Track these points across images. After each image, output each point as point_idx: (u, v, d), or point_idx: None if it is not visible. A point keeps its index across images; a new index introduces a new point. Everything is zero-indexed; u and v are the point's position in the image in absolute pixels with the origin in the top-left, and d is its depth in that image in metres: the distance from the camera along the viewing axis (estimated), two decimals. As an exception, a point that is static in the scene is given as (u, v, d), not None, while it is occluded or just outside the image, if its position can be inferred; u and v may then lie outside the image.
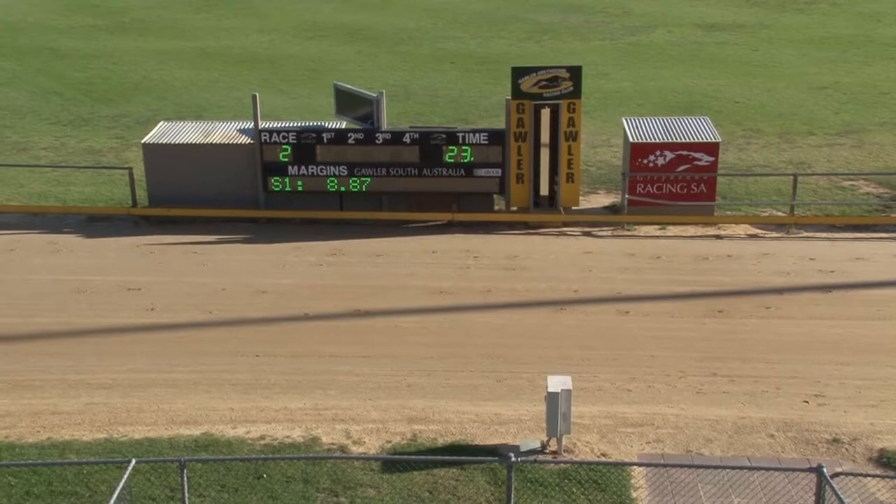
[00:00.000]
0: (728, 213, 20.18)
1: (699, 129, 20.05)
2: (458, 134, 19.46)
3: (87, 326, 15.65)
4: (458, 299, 16.52)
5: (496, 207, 20.16)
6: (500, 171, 19.49)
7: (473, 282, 17.16)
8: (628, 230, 19.47)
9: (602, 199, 21.14)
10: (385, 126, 19.62)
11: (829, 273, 17.25)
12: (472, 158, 19.40)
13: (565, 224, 19.69)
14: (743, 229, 19.39)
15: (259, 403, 13.32)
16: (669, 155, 19.41)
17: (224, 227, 19.62)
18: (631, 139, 19.59)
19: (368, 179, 19.59)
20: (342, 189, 19.73)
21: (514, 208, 19.90)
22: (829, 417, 12.72)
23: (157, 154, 19.95)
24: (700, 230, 19.37)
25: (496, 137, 19.40)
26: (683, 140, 19.49)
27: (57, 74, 32.74)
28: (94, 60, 34.78)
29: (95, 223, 20.22)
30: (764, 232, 19.27)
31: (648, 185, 19.55)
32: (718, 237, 19.13)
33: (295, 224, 19.90)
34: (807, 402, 13.17)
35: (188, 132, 20.47)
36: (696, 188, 19.52)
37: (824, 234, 19.06)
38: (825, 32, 37.61)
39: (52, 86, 31.26)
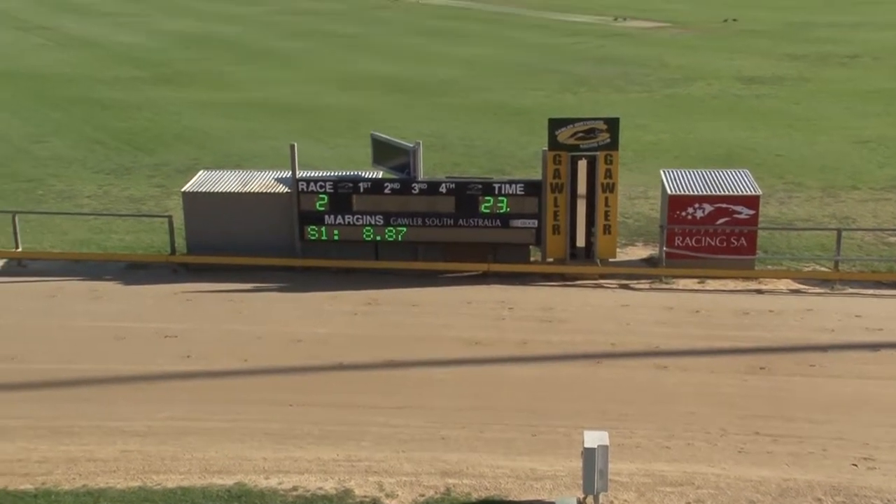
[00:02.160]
0: (769, 267, 19.93)
1: (739, 181, 19.91)
2: (494, 184, 19.46)
3: (124, 373, 15.72)
4: (493, 351, 16.39)
5: (532, 259, 20.07)
6: (536, 222, 19.44)
7: (509, 333, 17.04)
8: (666, 283, 19.29)
9: (639, 252, 20.98)
10: (421, 176, 19.68)
11: (876, 331, 16.90)
12: (508, 209, 19.38)
13: (602, 276, 19.55)
14: (785, 284, 19.12)
15: (292, 453, 13.24)
16: (708, 207, 19.26)
17: (260, 275, 19.70)
18: (669, 191, 19.48)
19: (404, 229, 19.62)
20: (378, 238, 19.77)
21: (551, 260, 19.80)
22: (880, 482, 12.34)
23: (197, 202, 20.15)
24: (740, 284, 19.14)
25: (532, 188, 19.38)
26: (723, 193, 19.34)
27: (101, 124, 33.36)
28: (136, 111, 35.43)
29: (135, 270, 20.40)
30: (807, 287, 18.98)
31: (687, 238, 19.39)
32: (759, 292, 18.87)
33: (331, 273, 19.94)
34: (855, 465, 12.80)
35: (227, 181, 20.68)
36: (735, 241, 19.33)
37: (870, 291, 18.73)
38: (868, 86, 37.40)
39: (96, 135, 31.85)
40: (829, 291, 18.80)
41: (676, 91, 37.38)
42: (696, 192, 19.39)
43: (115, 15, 63.73)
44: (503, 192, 19.35)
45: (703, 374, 15.46)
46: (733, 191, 19.44)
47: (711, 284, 19.18)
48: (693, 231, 19.34)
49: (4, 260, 20.94)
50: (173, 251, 20.52)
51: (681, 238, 19.42)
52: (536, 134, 29.45)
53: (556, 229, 19.52)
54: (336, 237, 19.80)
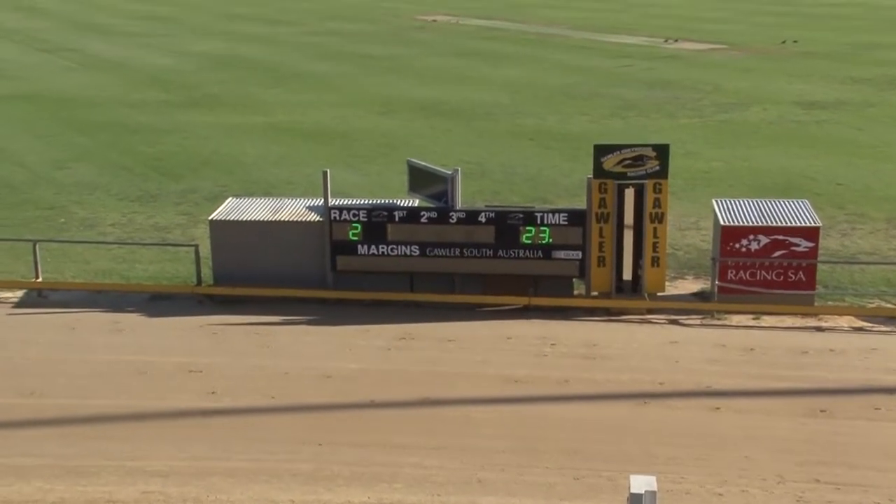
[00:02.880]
0: (830, 303, 19.72)
1: (797, 212, 19.78)
2: (536, 214, 19.52)
3: (146, 409, 15.87)
4: (533, 389, 16.36)
5: (576, 292, 20.07)
6: (580, 253, 19.45)
7: (550, 371, 17.00)
8: (718, 319, 19.17)
9: (690, 286, 20.89)
10: (459, 204, 19.79)
11: (946, 372, 16.67)
12: (550, 240, 19.41)
13: (650, 311, 19.48)
14: (847, 321, 18.91)
15: (321, 496, 13.26)
16: (764, 239, 19.15)
17: (289, 308, 19.84)
18: (722, 222, 19.41)
19: (441, 260, 19.70)
20: (413, 269, 19.88)
21: (595, 293, 19.79)
22: (947, 532, 12.12)
23: (225, 231, 20.39)
24: (798, 321, 18.96)
25: (577, 218, 19.41)
26: (779, 224, 19.24)
27: (127, 149, 33.94)
28: (164, 135, 36.00)
29: (158, 302, 20.64)
30: (871, 325, 18.75)
31: (741, 272, 19.28)
32: (819, 329, 18.68)
33: (363, 305, 20.06)
34: (921, 514, 12.59)
35: (256, 209, 20.91)
36: (793, 275, 19.17)
37: (940, 329, 18.51)
38: (937, 111, 37.09)
39: (122, 161, 32.39)
40: (895, 330, 18.54)
41: (731, 116, 37.26)
42: (750, 223, 19.30)
43: (142, 36, 64.97)
44: (545, 221, 19.39)
45: (759, 416, 15.29)
46: (791, 222, 19.31)
47: (767, 321, 19.01)
48: (747, 264, 19.22)
49: (24, 290, 21.30)
50: (199, 282, 20.74)
51: (734, 271, 19.31)
52: (581, 161, 29.48)
53: (601, 261, 19.49)
54: (370, 268, 19.94)
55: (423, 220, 19.70)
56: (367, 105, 40.91)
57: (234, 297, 20.30)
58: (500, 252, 19.56)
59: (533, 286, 19.77)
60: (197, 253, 20.80)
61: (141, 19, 74.32)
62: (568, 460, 14.12)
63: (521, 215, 19.50)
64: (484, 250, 19.60)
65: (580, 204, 22.02)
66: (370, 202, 20.84)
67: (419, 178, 20.53)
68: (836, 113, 37.34)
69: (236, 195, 23.94)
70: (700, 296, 20.25)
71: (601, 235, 19.43)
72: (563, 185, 28.30)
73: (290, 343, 18.44)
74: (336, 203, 20.37)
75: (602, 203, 19.29)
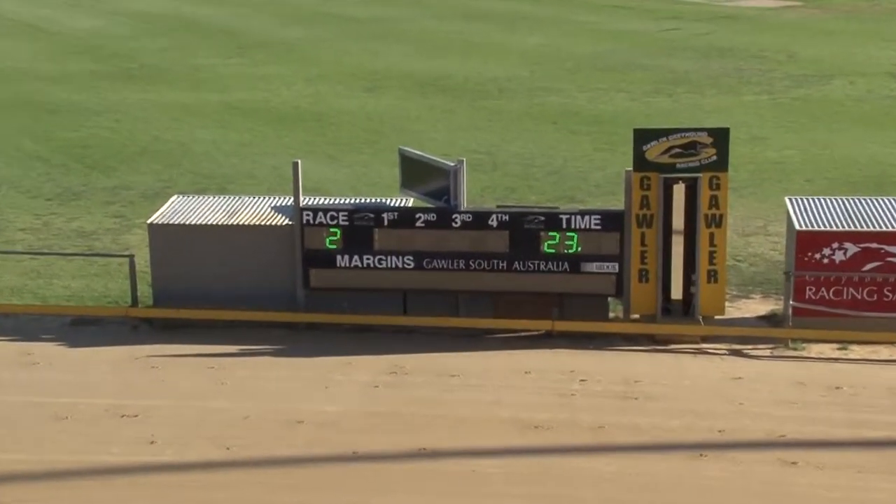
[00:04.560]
0: (934, 328, 19.68)
1: (894, 213, 19.75)
2: (560, 216, 19.48)
3: (67, 466, 15.77)
4: (558, 438, 16.29)
5: (611, 314, 20.02)
6: (616, 265, 19.40)
7: (580, 414, 16.95)
8: (794, 349, 19.11)
9: (757, 307, 20.83)
10: (465, 205, 19.77)
11: None
12: (579, 248, 19.37)
13: (705, 339, 19.42)
14: (959, 352, 18.91)
15: (288, 573, 13.21)
16: (852, 248, 19.10)
17: (251, 335, 19.80)
18: (797, 226, 19.38)
19: (442, 274, 19.69)
20: (407, 286, 19.86)
21: (636, 316, 19.74)
22: None
23: (168, 238, 20.34)
24: None
25: (612, 221, 19.37)
26: (872, 228, 19.20)
27: (44, 134, 33.95)
28: (92, 117, 36.03)
29: (83, 328, 20.56)
30: None
31: (822, 289, 19.24)
32: (922, 362, 18.69)
33: (344, 331, 20.00)
34: None
35: (208, 210, 20.88)
36: (889, 294, 19.13)
37: None
38: None
39: (36, 149, 32.39)
40: None
41: (808, 92, 37.27)
42: (834, 227, 19.25)
43: (66, -6, 65.13)
44: (573, 225, 19.34)
45: (848, 473, 15.21)
46: (886, 225, 19.26)
47: (857, 352, 18.95)
48: (831, 280, 19.17)
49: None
50: (135, 302, 20.68)
51: (814, 289, 19.26)
52: (618, 150, 29.45)
53: (643, 276, 19.45)
54: (352, 284, 19.92)
55: (418, 223, 19.65)
56: (349, 80, 40.94)
57: (179, 321, 20.24)
58: (516, 264, 19.51)
59: (557, 307, 19.70)
60: (132, 265, 20.74)
61: (64, -28, 74.50)
62: (602, 528, 14.09)
63: (541, 218, 19.45)
64: (495, 262, 19.55)
65: (617, 204, 21.95)
66: (352, 201, 20.80)
67: (414, 172, 20.49)
68: (942, 88, 37.42)
69: (183, 193, 23.90)
70: (770, 320, 20.18)
71: (643, 243, 19.38)
72: (595, 180, 28.27)
73: (251, 379, 18.38)
74: (310, 203, 20.31)
75: (644, 202, 19.25)
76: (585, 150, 31.09)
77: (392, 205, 20.39)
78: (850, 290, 19.17)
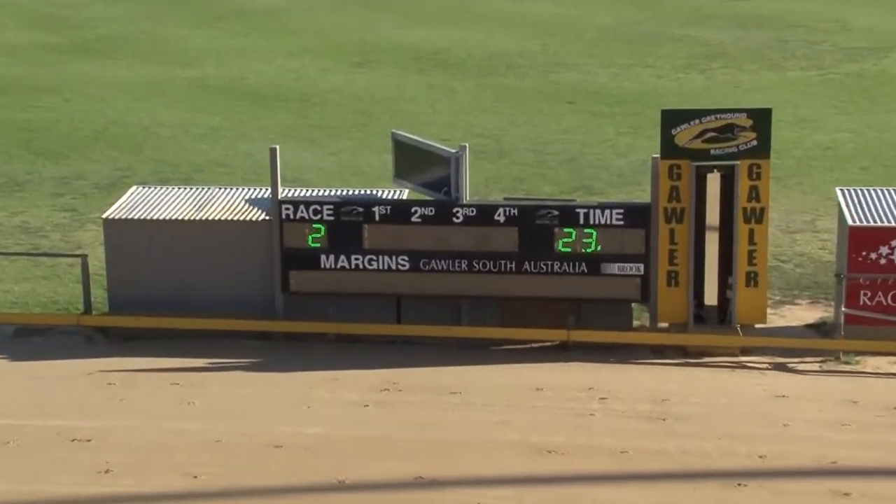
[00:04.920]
0: None
1: (960, 207, 19.75)
2: (577, 210, 19.47)
3: (10, 498, 15.68)
4: (575, 464, 16.23)
5: (636, 323, 20.04)
6: (641, 267, 19.38)
7: (600, 438, 16.90)
8: (846, 363, 19.10)
9: (803, 314, 20.87)
10: (467, 197, 19.74)
11: None
12: (598, 247, 19.34)
13: (745, 351, 19.42)
14: None
15: None
16: (913, 247, 19.12)
17: (222, 347, 19.78)
18: (850, 221, 19.35)
19: (441, 277, 19.68)
20: (402, 291, 19.87)
21: (665, 325, 19.74)
22: None
23: (126, 235, 20.31)
24: (964, 367, 18.96)
25: (637, 216, 19.35)
26: (934, 224, 19.21)
27: (-15, 116, 33.97)
28: (40, 95, 36.02)
29: (28, 339, 20.55)
30: None
31: (879, 294, 19.22)
32: None
33: (329, 343, 19.99)
34: None
35: (173, 203, 20.85)
36: (955, 300, 19.17)
37: None
38: None
39: (-25, 132, 32.42)
40: None
41: (862, 67, 37.25)
42: (893, 223, 19.24)
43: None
44: (592, 221, 19.32)
45: (906, 505, 15.17)
46: (950, 221, 19.27)
47: (918, 366, 18.98)
48: (889, 283, 19.16)
49: None
50: (88, 309, 20.65)
51: (869, 294, 19.25)
52: (643, 134, 29.44)
53: (672, 279, 19.43)
54: (338, 288, 19.89)
55: (415, 219, 19.64)
56: (336, 53, 40.94)
57: (138, 330, 20.21)
58: (527, 265, 19.48)
59: (574, 315, 19.68)
60: (85, 267, 20.70)
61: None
62: (625, 569, 14.06)
63: (555, 212, 19.42)
64: (502, 263, 19.52)
65: (642, 196, 21.91)
66: (339, 193, 20.80)
67: (409, 160, 20.46)
68: None
69: (144, 183, 23.88)
70: (819, 329, 20.20)
71: (673, 241, 19.35)
72: (618, 168, 28.26)
73: (222, 398, 18.33)
74: (290, 195, 20.32)
75: (674, 194, 19.22)
76: (606, 135, 31.06)
77: (384, 197, 20.36)
78: (911, 294, 19.19)
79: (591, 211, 19.38)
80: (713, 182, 19.25)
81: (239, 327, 20.02)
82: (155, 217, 20.38)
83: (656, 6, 47.51)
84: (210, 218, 20.30)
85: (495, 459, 16.34)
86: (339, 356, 19.56)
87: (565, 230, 19.35)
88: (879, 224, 19.24)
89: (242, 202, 20.79)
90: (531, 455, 16.45)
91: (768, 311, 19.85)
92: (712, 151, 19.07)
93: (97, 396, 18.45)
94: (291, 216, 19.83)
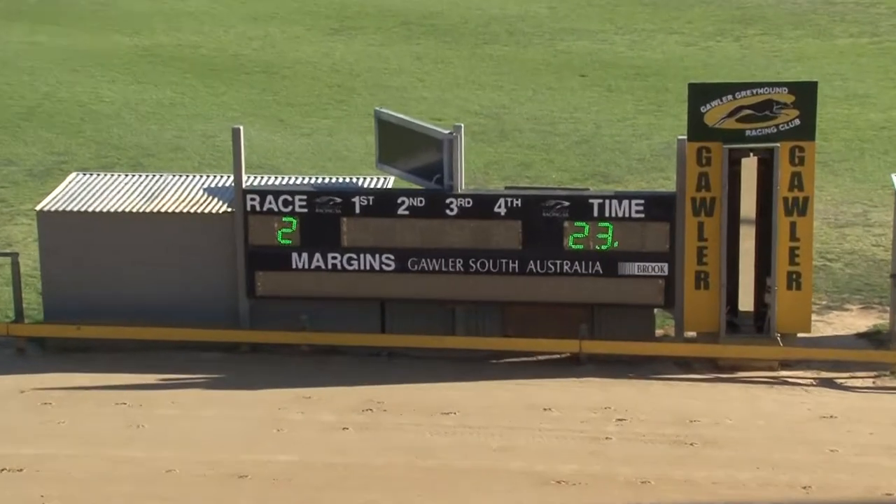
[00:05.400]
0: None
1: None
2: (590, 200, 19.56)
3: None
4: (587, 496, 16.29)
5: (658, 332, 20.16)
6: (665, 266, 19.49)
7: (616, 465, 16.96)
8: (904, 379, 19.25)
9: (854, 321, 20.93)
10: (463, 186, 19.85)
11: None
12: (615, 244, 19.45)
13: (785, 365, 19.52)
14: None
15: None
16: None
17: (177, 361, 19.84)
18: (907, 213, 19.46)
19: (433, 278, 19.80)
20: (386, 295, 19.99)
21: (692, 334, 19.85)
22: None
23: (64, 230, 20.32)
24: None
25: (660, 208, 19.46)
26: None
27: None
28: (-38, 68, 35.97)
29: (-50, 351, 20.60)
30: None
31: (940, 297, 19.30)
32: None
33: (302, 355, 20.09)
34: None
35: (119, 193, 20.86)
36: None
37: None
38: None
39: None
40: None
41: (923, 34, 37.29)
42: (956, 215, 19.35)
43: None
44: (607, 213, 19.42)
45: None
46: None
47: None
48: (951, 284, 19.25)
49: None
50: (19, 316, 20.64)
51: (929, 297, 19.32)
52: (668, 111, 29.48)
53: (701, 280, 19.52)
54: (312, 292, 20.00)
55: (402, 211, 19.71)
56: (309, 18, 40.84)
57: (79, 341, 20.23)
58: (532, 265, 19.59)
59: (587, 322, 19.79)
60: (15, 267, 20.67)
61: None
62: None
63: (565, 203, 19.50)
64: (504, 262, 19.62)
65: (666, 184, 21.98)
66: (313, 182, 20.88)
67: (396, 142, 20.51)
68: None
69: (84, 170, 23.88)
70: (872, 339, 20.26)
71: (702, 237, 19.45)
72: (638, 152, 28.31)
73: (177, 420, 18.36)
74: (256, 183, 20.42)
75: (703, 182, 19.31)
76: (625, 112, 31.08)
77: (366, 186, 20.45)
78: (979, 298, 19.29)
79: (607, 201, 19.48)
80: (749, 168, 19.31)
81: (197, 338, 20.06)
82: (97, 209, 20.38)
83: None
84: (162, 210, 20.32)
85: (496, 492, 16.39)
86: (313, 371, 19.65)
87: (577, 224, 19.45)
88: (942, 217, 19.37)
89: (200, 192, 20.81)
90: (537, 486, 16.50)
91: (813, 317, 19.95)
92: (748, 132, 19.16)
93: (30, 419, 18.44)
94: (258, 208, 19.89)
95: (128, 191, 20.95)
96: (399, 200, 19.75)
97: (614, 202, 19.47)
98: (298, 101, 32.56)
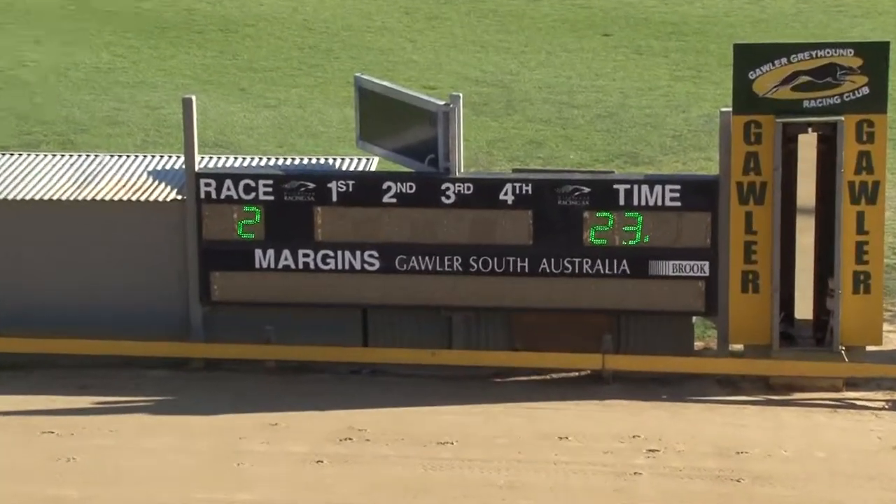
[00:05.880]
0: None
1: None
2: (615, 186, 19.58)
3: None
4: (613, 544, 16.36)
5: (698, 345, 20.18)
6: (706, 265, 19.50)
7: (648, 506, 17.06)
8: None
9: (936, 335, 20.99)
10: (461, 168, 19.84)
11: None
12: (645, 238, 19.48)
13: (851, 384, 19.54)
14: None
15: None
16: None
17: (117, 380, 19.88)
18: None
19: (426, 280, 19.80)
20: (369, 301, 19.99)
21: (738, 347, 19.86)
22: None
23: (-21, 222, 20.42)
24: None
25: (699, 194, 19.47)
26: None
27: None
28: None
29: None
30: None
31: None
32: None
33: (267, 373, 20.13)
34: None
35: (45, 177, 20.90)
36: None
37: None
38: None
39: None
40: None
41: None
42: None
43: None
44: (636, 201, 19.43)
45: None
46: None
47: None
48: None
49: None
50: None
51: None
52: (708, 78, 29.51)
53: (749, 282, 19.52)
54: (279, 297, 20.02)
55: (388, 199, 19.73)
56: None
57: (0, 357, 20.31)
58: (545, 264, 19.61)
59: (611, 333, 19.81)
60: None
61: None
62: None
63: (585, 189, 19.52)
64: (511, 261, 19.65)
65: (707, 166, 21.96)
66: (281, 163, 20.88)
67: (381, 116, 20.52)
68: None
69: (2, 149, 23.87)
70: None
71: (750, 229, 19.43)
72: (673, 127, 28.35)
73: (115, 451, 18.32)
74: (212, 165, 20.44)
75: (752, 164, 19.29)
76: (657, 79, 31.13)
77: (345, 169, 20.44)
78: None
79: (636, 187, 19.48)
80: (807, 146, 19.30)
81: (140, 352, 20.10)
82: (19, 196, 20.40)
83: None
84: (98, 198, 20.31)
85: (502, 537, 16.49)
86: (281, 392, 19.66)
87: (599, 215, 19.47)
88: None
89: (144, 176, 20.83)
90: (552, 530, 16.60)
91: (885, 327, 19.98)
92: (806, 103, 19.14)
93: (-60, 450, 18.54)
94: (213, 195, 19.91)
95: (56, 174, 20.98)
96: (384, 186, 19.76)
97: (644, 188, 19.48)
98: (262, 66, 32.58)
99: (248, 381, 19.94)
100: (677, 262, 19.50)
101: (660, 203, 19.43)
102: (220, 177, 19.97)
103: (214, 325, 20.27)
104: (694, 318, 19.99)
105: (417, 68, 30.89)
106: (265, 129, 28.39)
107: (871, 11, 35.17)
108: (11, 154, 22.07)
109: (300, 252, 19.91)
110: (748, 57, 19.32)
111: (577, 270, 19.58)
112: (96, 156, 21.82)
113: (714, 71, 28.55)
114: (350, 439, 18.50)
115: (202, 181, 19.92)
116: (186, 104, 20.11)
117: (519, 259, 19.62)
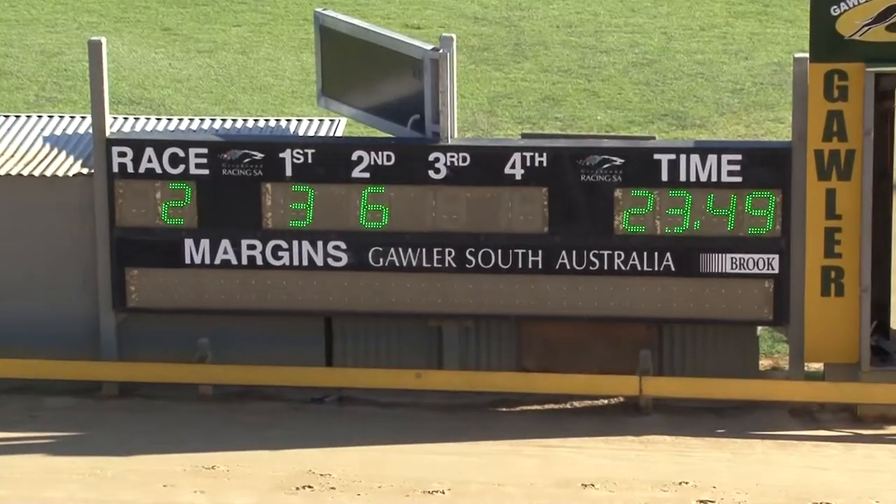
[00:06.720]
0: None
1: None
2: (656, 156, 19.75)
3: None
4: None
5: (764, 363, 20.39)
6: (775, 260, 19.68)
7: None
8: None
9: None
10: (455, 133, 20.02)
11: None
12: (695, 224, 19.66)
13: (966, 416, 19.76)
14: None
15: None
16: None
17: (9, 410, 20.06)
18: None
19: (408, 280, 20.00)
20: (335, 305, 20.19)
21: (817, 367, 20.04)
22: None
23: None
24: None
25: (766, 167, 19.63)
26: None
27: None
28: None
29: None
30: None
31: None
32: None
33: (202, 402, 20.35)
34: None
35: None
36: None
37: None
38: None
39: None
40: None
41: None
42: None
43: None
44: (683, 176, 19.61)
45: None
46: None
47: None
48: None
49: None
50: None
51: None
52: (776, 14, 29.68)
53: (831, 282, 19.67)
54: (215, 303, 20.22)
55: (358, 173, 19.89)
56: None
57: None
58: (563, 258, 19.78)
59: (651, 348, 20.01)
60: None
61: None
62: None
63: (616, 161, 19.68)
64: (521, 254, 19.83)
65: (777, 131, 22.11)
66: (218, 127, 21.06)
67: (349, 64, 20.71)
68: None
69: None
70: None
71: (833, 213, 19.58)
72: (731, 78, 28.49)
73: (11, 503, 18.57)
74: (128, 129, 20.62)
75: (835, 127, 19.40)
76: (712, 16, 31.29)
77: (302, 134, 20.63)
78: None
79: (683, 158, 19.65)
80: (908, 105, 19.55)
81: (38, 374, 20.30)
82: None
83: None
84: (-19, 173, 20.57)
85: None
86: (220, 426, 19.86)
87: (635, 194, 19.65)
88: None
89: (38, 142, 21.00)
90: None
91: None
92: (905, 49, 19.38)
93: None
94: (130, 168, 20.05)
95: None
96: (354, 157, 19.88)
97: (694, 159, 19.63)
98: (193, 2, 32.70)
99: (177, 412, 20.13)
100: (737, 256, 19.66)
101: (714, 178, 19.58)
102: (138, 144, 20.08)
103: (132, 339, 20.42)
104: (759, 330, 20.14)
105: (397, 1, 31.06)
106: (197, 82, 28.52)
107: None
108: None
109: (244, 243, 20.06)
110: (831, -13, 19.51)
111: (605, 267, 19.75)
112: (-22, 117, 22.04)
113: (785, 5, 28.73)
114: (310, 487, 18.62)
115: (115, 150, 20.03)
116: (94, 49, 20.16)
117: (530, 252, 19.79)
